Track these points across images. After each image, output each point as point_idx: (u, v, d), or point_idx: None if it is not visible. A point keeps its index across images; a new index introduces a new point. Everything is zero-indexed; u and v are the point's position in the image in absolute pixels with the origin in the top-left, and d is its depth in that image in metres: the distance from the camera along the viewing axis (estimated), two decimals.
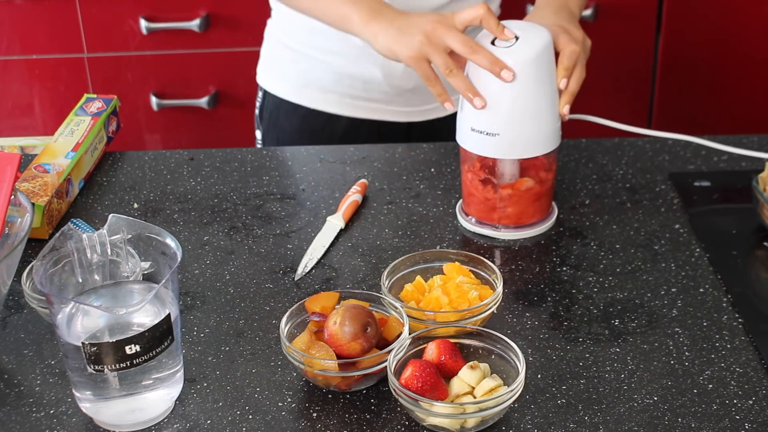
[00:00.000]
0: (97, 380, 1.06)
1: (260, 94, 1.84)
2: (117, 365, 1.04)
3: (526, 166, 1.37)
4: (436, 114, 1.75)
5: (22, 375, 1.17)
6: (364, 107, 1.73)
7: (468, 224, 1.40)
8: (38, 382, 1.16)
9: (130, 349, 1.04)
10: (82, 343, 1.03)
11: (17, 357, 1.20)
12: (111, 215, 1.13)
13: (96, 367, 1.04)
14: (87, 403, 1.09)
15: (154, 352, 1.06)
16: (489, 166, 1.37)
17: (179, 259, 1.08)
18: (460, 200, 1.44)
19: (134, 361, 1.05)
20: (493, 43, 1.32)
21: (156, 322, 1.05)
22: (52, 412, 1.12)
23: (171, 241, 1.10)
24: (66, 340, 1.06)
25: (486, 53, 1.30)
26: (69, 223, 1.41)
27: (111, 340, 1.03)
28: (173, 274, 1.07)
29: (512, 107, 1.32)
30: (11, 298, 1.29)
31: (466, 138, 1.37)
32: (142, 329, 1.04)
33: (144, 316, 1.07)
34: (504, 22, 1.34)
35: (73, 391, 1.10)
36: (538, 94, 1.32)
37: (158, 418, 1.11)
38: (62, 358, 1.14)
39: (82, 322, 1.09)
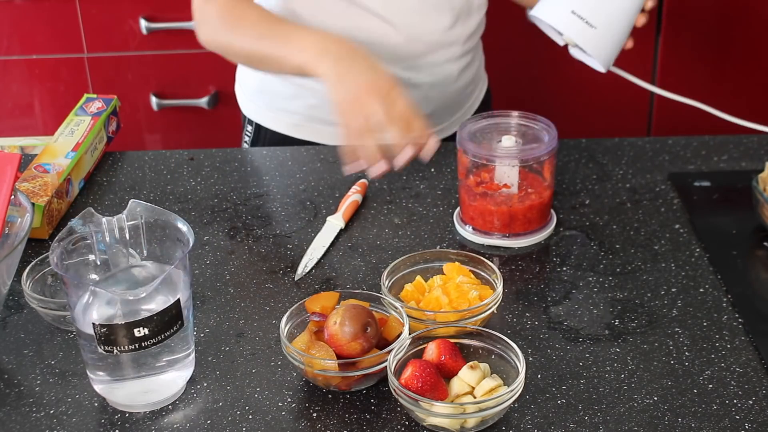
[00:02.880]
0: (109, 361, 1.08)
1: (249, 128, 1.73)
2: (127, 347, 1.06)
3: (525, 181, 1.36)
4: (445, 134, 1.68)
5: (22, 375, 1.17)
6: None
7: (465, 233, 1.39)
8: (38, 382, 1.16)
9: (139, 332, 1.06)
10: (93, 324, 1.05)
11: (17, 357, 1.20)
12: (131, 201, 1.14)
13: (106, 348, 1.06)
14: (100, 384, 1.11)
15: (162, 336, 1.07)
16: (487, 180, 1.36)
17: (191, 244, 1.10)
18: (458, 208, 1.43)
19: (143, 344, 1.06)
20: None
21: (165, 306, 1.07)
22: (52, 412, 1.12)
23: (183, 225, 1.12)
24: (79, 326, 1.08)
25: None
26: (69, 222, 1.41)
27: (121, 323, 1.05)
28: (184, 258, 1.09)
29: (620, 10, 1.43)
30: (11, 298, 1.29)
31: (560, 17, 1.39)
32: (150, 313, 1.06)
33: (155, 304, 1.09)
34: None
35: (87, 371, 1.12)
36: (635, 12, 1.46)
37: (170, 399, 1.12)
38: (75, 337, 1.15)
39: (98, 309, 1.10)
